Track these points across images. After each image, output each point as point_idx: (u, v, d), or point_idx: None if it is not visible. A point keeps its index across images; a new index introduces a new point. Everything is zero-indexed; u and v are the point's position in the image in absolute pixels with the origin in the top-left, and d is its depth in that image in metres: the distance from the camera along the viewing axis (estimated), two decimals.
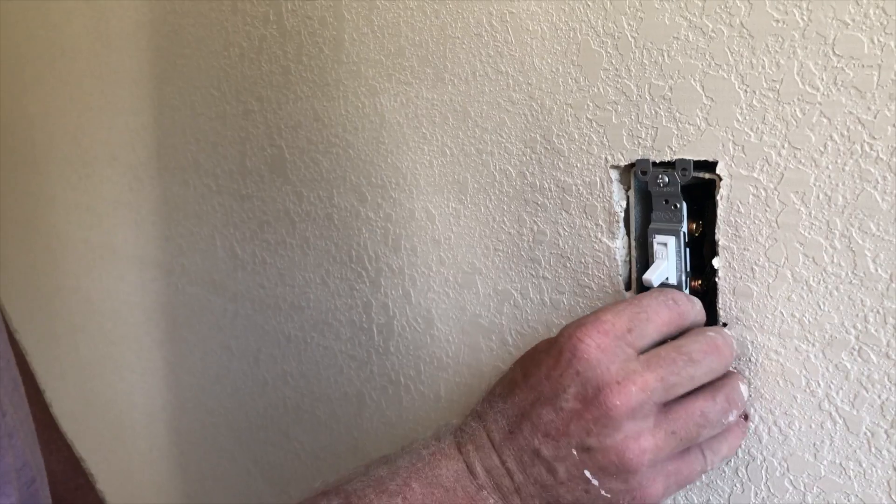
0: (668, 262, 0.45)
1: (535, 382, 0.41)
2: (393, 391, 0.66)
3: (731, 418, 0.41)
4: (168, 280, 0.92)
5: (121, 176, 0.96)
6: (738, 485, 0.45)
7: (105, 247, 1.04)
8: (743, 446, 0.44)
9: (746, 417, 0.43)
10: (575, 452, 0.39)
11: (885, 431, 0.39)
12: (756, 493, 0.44)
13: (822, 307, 0.40)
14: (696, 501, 0.47)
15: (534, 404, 0.41)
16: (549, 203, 0.50)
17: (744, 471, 0.44)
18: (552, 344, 0.42)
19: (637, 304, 0.41)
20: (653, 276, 0.44)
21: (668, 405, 0.40)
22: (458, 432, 0.44)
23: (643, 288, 0.45)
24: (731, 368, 0.43)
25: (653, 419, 0.39)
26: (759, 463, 0.44)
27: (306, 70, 0.66)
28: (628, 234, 0.47)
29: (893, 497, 0.39)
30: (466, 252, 0.57)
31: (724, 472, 0.45)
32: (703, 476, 0.46)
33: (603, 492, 0.40)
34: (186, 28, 0.79)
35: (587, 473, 0.39)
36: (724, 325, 0.44)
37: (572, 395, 0.39)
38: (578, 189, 0.49)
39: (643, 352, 0.40)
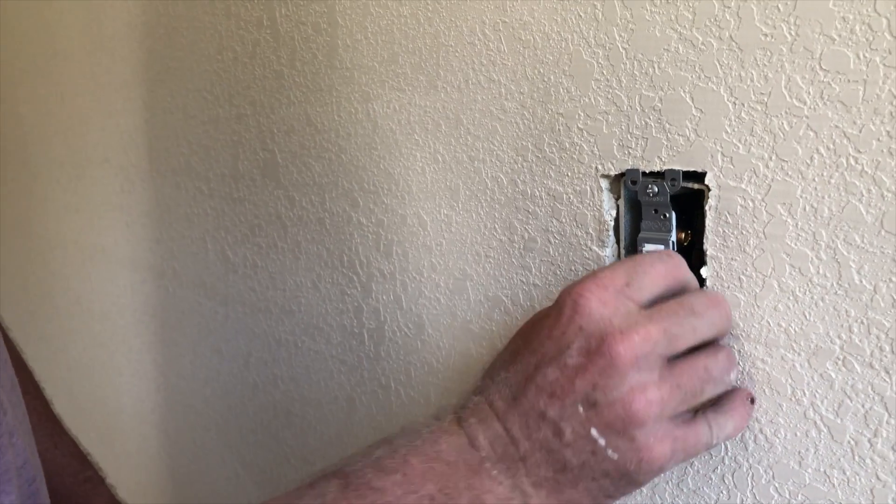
0: None
1: (538, 345, 0.41)
2: (383, 396, 0.66)
3: (733, 377, 0.41)
4: (159, 283, 0.92)
5: (112, 178, 0.96)
6: (724, 492, 0.45)
7: (96, 249, 1.04)
8: (729, 453, 0.45)
9: (753, 401, 0.43)
10: (581, 409, 0.39)
11: (869, 440, 0.39)
12: (742, 501, 0.45)
13: (807, 317, 0.40)
14: None
15: (538, 366, 0.40)
16: (540, 211, 0.51)
17: (730, 478, 0.45)
18: (551, 308, 0.41)
19: (632, 260, 0.42)
20: None
21: (673, 361, 0.39)
22: (458, 409, 0.44)
23: None
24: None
25: (657, 372, 0.38)
26: (745, 470, 0.44)
27: (299, 75, 0.66)
28: (618, 242, 0.48)
29: None
30: (458, 258, 0.57)
31: (711, 478, 0.46)
32: (690, 482, 0.47)
33: (610, 451, 0.39)
34: (180, 31, 0.79)
35: (594, 432, 0.38)
36: None
37: (576, 350, 0.39)
38: (569, 197, 0.49)
39: (644, 306, 0.40)
